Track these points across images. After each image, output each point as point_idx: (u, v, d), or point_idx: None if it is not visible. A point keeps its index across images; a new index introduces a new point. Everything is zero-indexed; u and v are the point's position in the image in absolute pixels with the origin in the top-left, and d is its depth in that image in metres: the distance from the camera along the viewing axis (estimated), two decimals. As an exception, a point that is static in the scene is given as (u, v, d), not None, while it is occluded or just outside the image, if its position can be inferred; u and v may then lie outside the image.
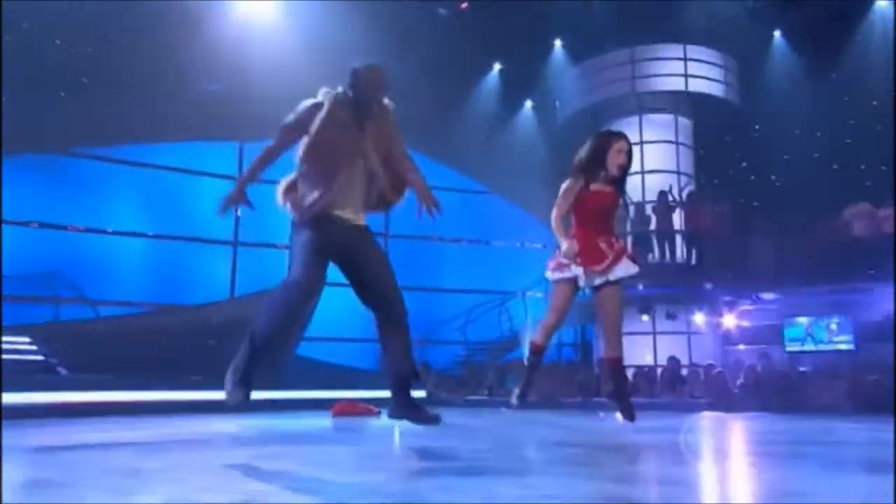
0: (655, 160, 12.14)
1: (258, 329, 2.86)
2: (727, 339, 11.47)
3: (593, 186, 3.85)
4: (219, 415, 5.87)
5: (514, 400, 3.66)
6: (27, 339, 8.33)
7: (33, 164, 11.13)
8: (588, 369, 11.46)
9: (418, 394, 7.77)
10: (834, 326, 10.30)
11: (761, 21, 12.01)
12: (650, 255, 11.46)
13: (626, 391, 3.76)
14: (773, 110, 11.73)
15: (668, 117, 12.35)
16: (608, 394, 3.80)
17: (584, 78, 12.78)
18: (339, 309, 7.11)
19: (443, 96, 12.60)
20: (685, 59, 12.03)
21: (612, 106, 12.37)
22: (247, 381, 2.85)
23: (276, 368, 8.11)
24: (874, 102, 11.03)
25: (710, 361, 10.55)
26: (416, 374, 3.15)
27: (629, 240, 11.48)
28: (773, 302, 11.07)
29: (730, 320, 11.43)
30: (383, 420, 6.03)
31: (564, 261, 3.74)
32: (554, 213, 3.84)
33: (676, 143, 12.32)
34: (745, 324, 11.36)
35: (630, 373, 10.59)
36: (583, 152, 3.88)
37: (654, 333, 11.27)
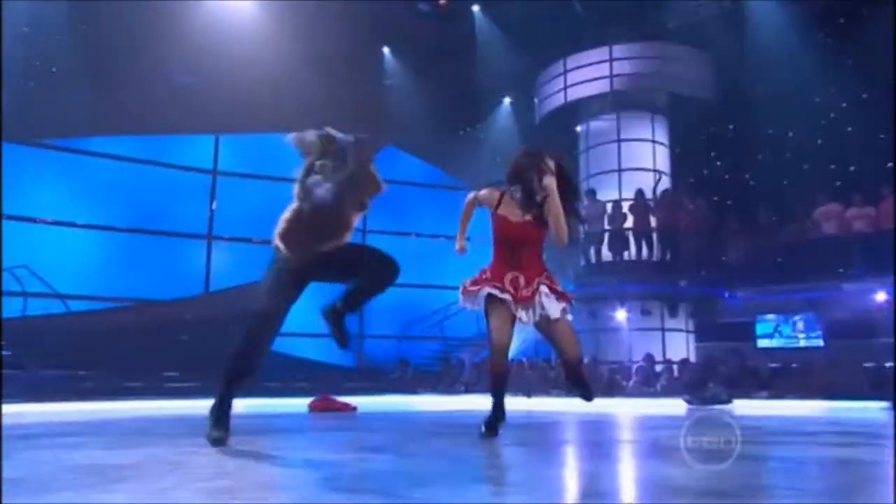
0: (632, 158, 12.24)
1: (231, 366, 2.98)
2: (700, 335, 11.63)
3: (502, 210, 3.40)
4: (188, 411, 5.80)
5: (482, 429, 3.27)
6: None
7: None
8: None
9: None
10: (801, 325, 10.50)
11: (737, 20, 12.11)
12: (626, 253, 11.57)
13: (582, 375, 3.56)
14: (748, 109, 11.86)
15: (645, 115, 12.45)
16: (566, 377, 3.59)
17: (562, 76, 12.83)
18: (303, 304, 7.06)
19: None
20: (661, 58, 12.13)
21: (590, 104, 12.46)
22: (225, 421, 2.96)
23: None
24: (843, 104, 11.24)
25: (684, 357, 10.69)
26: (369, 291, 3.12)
27: (605, 237, 11.58)
28: (744, 299, 11.24)
29: (703, 317, 11.59)
30: (359, 417, 6.02)
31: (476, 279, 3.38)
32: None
33: (653, 141, 12.43)
34: (718, 320, 11.52)
35: (606, 369, 10.70)
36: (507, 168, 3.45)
37: (630, 330, 11.39)
